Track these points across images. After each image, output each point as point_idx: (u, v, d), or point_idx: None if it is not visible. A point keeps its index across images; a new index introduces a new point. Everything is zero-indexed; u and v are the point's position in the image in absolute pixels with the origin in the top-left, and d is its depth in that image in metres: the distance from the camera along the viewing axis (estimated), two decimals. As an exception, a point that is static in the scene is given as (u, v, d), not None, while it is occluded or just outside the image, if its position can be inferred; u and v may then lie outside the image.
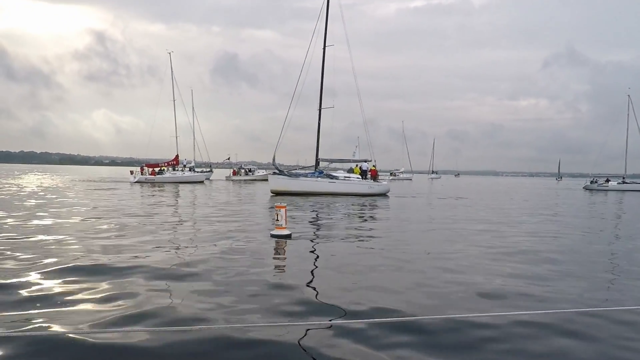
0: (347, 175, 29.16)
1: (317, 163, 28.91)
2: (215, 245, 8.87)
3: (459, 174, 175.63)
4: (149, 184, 37.69)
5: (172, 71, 44.70)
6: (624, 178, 53.69)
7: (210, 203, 20.20)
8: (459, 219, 15.91)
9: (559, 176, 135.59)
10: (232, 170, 57.76)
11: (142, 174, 40.74)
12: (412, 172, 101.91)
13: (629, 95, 55.29)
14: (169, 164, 43.67)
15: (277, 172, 27.39)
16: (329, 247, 9.45)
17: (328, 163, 29.57)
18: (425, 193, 35.44)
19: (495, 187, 55.63)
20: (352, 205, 20.89)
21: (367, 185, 28.38)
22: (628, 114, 54.83)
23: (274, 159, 27.89)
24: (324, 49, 27.53)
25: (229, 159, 66.06)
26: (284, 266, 7.68)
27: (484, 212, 19.19)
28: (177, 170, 43.84)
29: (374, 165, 29.74)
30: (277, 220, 9.91)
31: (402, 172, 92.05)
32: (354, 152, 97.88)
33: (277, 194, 26.10)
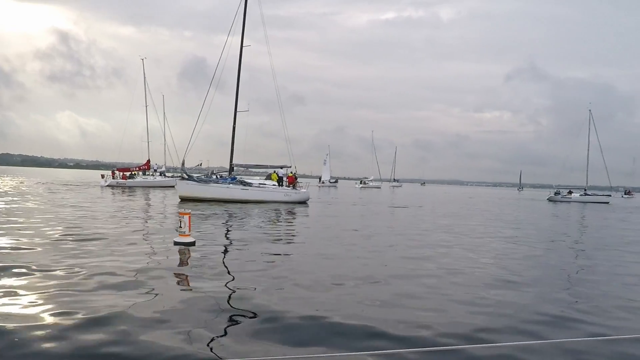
0: (263, 182, 27.95)
1: (231, 168, 27.56)
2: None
3: (424, 183, 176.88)
4: (120, 188, 37.66)
5: (144, 77, 45.61)
6: (585, 190, 55.34)
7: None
8: (365, 228, 15.47)
9: (520, 187, 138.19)
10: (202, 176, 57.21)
11: (113, 178, 40.78)
12: (380, 180, 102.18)
13: (589, 110, 56.96)
14: (140, 169, 44.28)
15: (186, 177, 25.94)
16: (232, 255, 9.39)
17: (244, 169, 28.30)
18: (364, 201, 34.49)
19: (459, 197, 56.07)
20: (263, 213, 19.96)
21: (283, 193, 27.16)
22: (589, 129, 56.22)
23: (183, 164, 26.40)
24: (241, 48, 26.28)
25: (200, 164, 66.75)
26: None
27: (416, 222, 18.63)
28: (148, 174, 44.27)
29: (292, 172, 28.56)
30: (181, 227, 9.67)
31: (371, 181, 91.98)
32: (325, 160, 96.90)
33: (185, 200, 24.70)
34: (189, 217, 9.77)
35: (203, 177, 26.77)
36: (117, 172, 42.24)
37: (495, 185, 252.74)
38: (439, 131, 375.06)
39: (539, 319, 5.54)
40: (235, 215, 18.46)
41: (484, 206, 33.57)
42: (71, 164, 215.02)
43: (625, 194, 77.87)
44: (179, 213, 9.91)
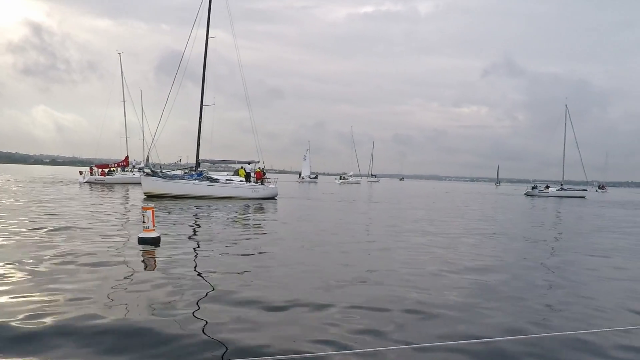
0: (230, 178, 27.44)
1: (198, 164, 27.00)
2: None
3: (403, 178, 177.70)
4: (98, 185, 37.49)
5: (122, 72, 44.76)
6: (561, 185, 56.03)
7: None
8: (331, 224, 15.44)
9: (498, 182, 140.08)
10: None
11: (91, 175, 40.46)
12: (360, 175, 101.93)
13: (566, 105, 57.37)
14: (118, 165, 43.68)
15: (151, 173, 25.31)
16: (198, 250, 9.44)
17: (211, 164, 27.76)
18: (335, 197, 34.17)
19: (437, 192, 56.00)
20: (229, 209, 19.67)
21: (251, 189, 26.73)
22: (565, 123, 56.85)
23: (147, 159, 25.78)
24: (207, 40, 25.65)
25: (180, 160, 68.30)
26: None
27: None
28: (127, 171, 43.65)
29: (259, 168, 28.10)
30: (144, 222, 9.53)
31: (350, 176, 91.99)
32: (305, 156, 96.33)
33: (150, 197, 24.15)
34: (152, 211, 9.66)
35: (168, 172, 26.15)
36: (95, 169, 41.60)
37: (472, 180, 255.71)
38: (418, 126, 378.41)
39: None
40: (199, 211, 18.32)
41: (465, 204, 32.40)
42: (47, 160, 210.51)
43: (599, 188, 79.33)
44: (142, 207, 9.84)
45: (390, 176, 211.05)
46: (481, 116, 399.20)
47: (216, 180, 26.13)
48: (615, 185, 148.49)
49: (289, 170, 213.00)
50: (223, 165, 28.92)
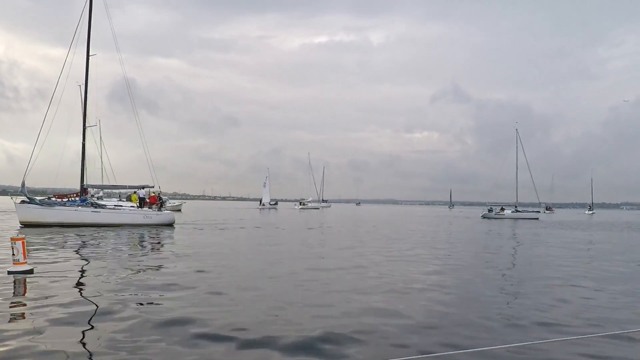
0: (118, 203, 25.77)
1: (83, 189, 25.21)
2: None
3: (359, 203, 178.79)
4: None
5: (82, 103, 42.48)
6: (516, 207, 56.89)
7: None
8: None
9: (451, 205, 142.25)
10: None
11: None
12: (319, 201, 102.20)
13: (516, 130, 59.06)
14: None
15: (27, 200, 23.32)
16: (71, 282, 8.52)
17: (98, 190, 26.04)
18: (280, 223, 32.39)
19: (392, 217, 55.10)
20: (113, 238, 17.99)
21: (143, 215, 25.06)
22: (517, 147, 57.98)
23: (23, 184, 23.75)
24: (87, 58, 24.27)
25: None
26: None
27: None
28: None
29: (154, 192, 26.55)
30: (14, 254, 8.97)
31: (310, 202, 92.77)
32: (265, 183, 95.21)
33: (28, 226, 22.08)
34: (23, 242, 9.13)
35: (46, 199, 24.21)
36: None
37: (428, 203, 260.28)
38: (373, 151, 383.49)
39: None
40: (79, 240, 16.70)
41: (429, 227, 31.12)
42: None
43: (547, 209, 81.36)
44: (11, 239, 9.28)
45: (347, 201, 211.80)
46: (433, 141, 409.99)
47: (102, 206, 24.37)
48: (561, 206, 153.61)
49: (247, 197, 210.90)
50: (116, 190, 27.04)
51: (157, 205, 26.08)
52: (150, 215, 25.24)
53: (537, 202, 60.64)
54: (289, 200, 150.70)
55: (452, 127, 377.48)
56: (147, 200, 25.90)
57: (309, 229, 26.71)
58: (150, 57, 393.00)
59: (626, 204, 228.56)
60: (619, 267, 12.67)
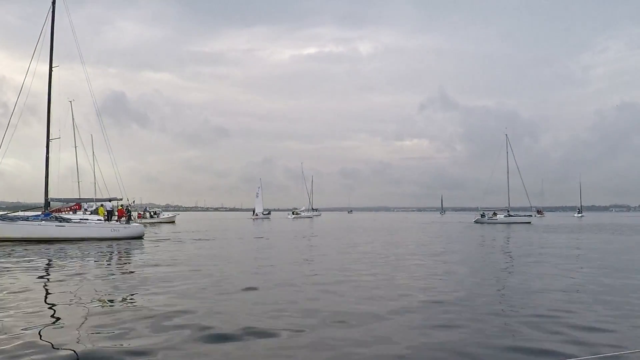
0: (84, 217, 25.17)
1: (47, 203, 24.58)
2: None
3: (351, 211, 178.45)
4: None
5: (73, 119, 42.64)
6: (508, 211, 56.70)
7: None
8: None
9: (443, 210, 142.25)
10: (137, 214, 55.48)
11: None
12: (311, 210, 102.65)
13: (506, 135, 58.76)
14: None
15: (-12, 215, 22.72)
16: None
17: (64, 203, 25.42)
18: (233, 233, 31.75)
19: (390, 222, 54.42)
20: (78, 252, 17.33)
21: (110, 228, 24.45)
22: (507, 152, 58.14)
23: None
24: (50, 70, 23.81)
25: (134, 202, 70.53)
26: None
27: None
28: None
29: (121, 205, 25.98)
30: None
31: (303, 211, 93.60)
32: (257, 193, 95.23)
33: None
34: None
35: (7, 214, 23.61)
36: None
37: (419, 210, 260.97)
38: (364, 159, 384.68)
39: None
40: (43, 256, 16.02)
41: (430, 235, 29.96)
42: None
43: (537, 213, 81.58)
44: None
45: (340, 209, 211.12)
46: (423, 148, 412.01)
47: (68, 220, 23.77)
48: (551, 210, 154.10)
49: (240, 207, 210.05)
50: (85, 204, 26.45)
51: (125, 218, 25.45)
52: (117, 228, 24.63)
53: (529, 205, 60.65)
54: (282, 210, 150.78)
55: (441, 134, 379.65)
56: (115, 213, 25.28)
57: (294, 238, 26.34)
58: (140, 71, 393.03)
59: (615, 206, 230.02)
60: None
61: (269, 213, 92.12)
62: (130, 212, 26.26)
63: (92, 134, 51.42)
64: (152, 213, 58.51)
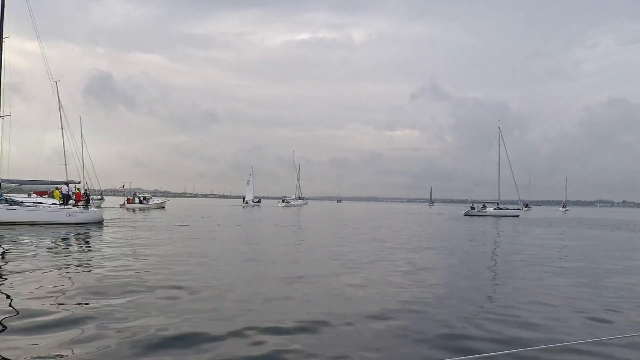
0: (38, 200, 23.79)
1: (-2, 185, 23.14)
2: None
3: (340, 200, 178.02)
4: None
5: (59, 100, 41.26)
6: (498, 204, 56.20)
7: None
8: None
9: (431, 202, 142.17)
10: (126, 199, 56.78)
11: None
12: (301, 198, 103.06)
13: (499, 127, 58.13)
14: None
15: None
16: None
17: (16, 185, 23.94)
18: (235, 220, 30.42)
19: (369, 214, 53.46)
20: (32, 238, 16.04)
21: (65, 213, 23.13)
22: (499, 144, 57.51)
23: None
24: (0, 41, 22.21)
25: (124, 186, 70.13)
26: None
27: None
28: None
29: (78, 189, 24.59)
30: None
31: (293, 199, 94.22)
32: (248, 180, 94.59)
33: None
34: None
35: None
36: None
37: (409, 200, 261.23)
38: (355, 149, 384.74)
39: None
40: None
41: (419, 227, 28.99)
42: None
43: (525, 206, 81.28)
44: None
45: (329, 198, 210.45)
46: (413, 139, 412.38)
47: (19, 204, 22.40)
48: (538, 203, 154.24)
49: (230, 194, 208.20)
50: (34, 186, 24.98)
51: (82, 202, 24.09)
52: (74, 213, 23.29)
53: (517, 199, 60.17)
54: (272, 198, 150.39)
55: (432, 125, 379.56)
56: (72, 197, 23.91)
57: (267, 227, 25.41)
58: (129, 52, 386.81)
59: (600, 201, 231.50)
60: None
61: (259, 201, 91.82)
62: (89, 197, 24.83)
63: (81, 116, 50.67)
64: (141, 198, 57.67)
